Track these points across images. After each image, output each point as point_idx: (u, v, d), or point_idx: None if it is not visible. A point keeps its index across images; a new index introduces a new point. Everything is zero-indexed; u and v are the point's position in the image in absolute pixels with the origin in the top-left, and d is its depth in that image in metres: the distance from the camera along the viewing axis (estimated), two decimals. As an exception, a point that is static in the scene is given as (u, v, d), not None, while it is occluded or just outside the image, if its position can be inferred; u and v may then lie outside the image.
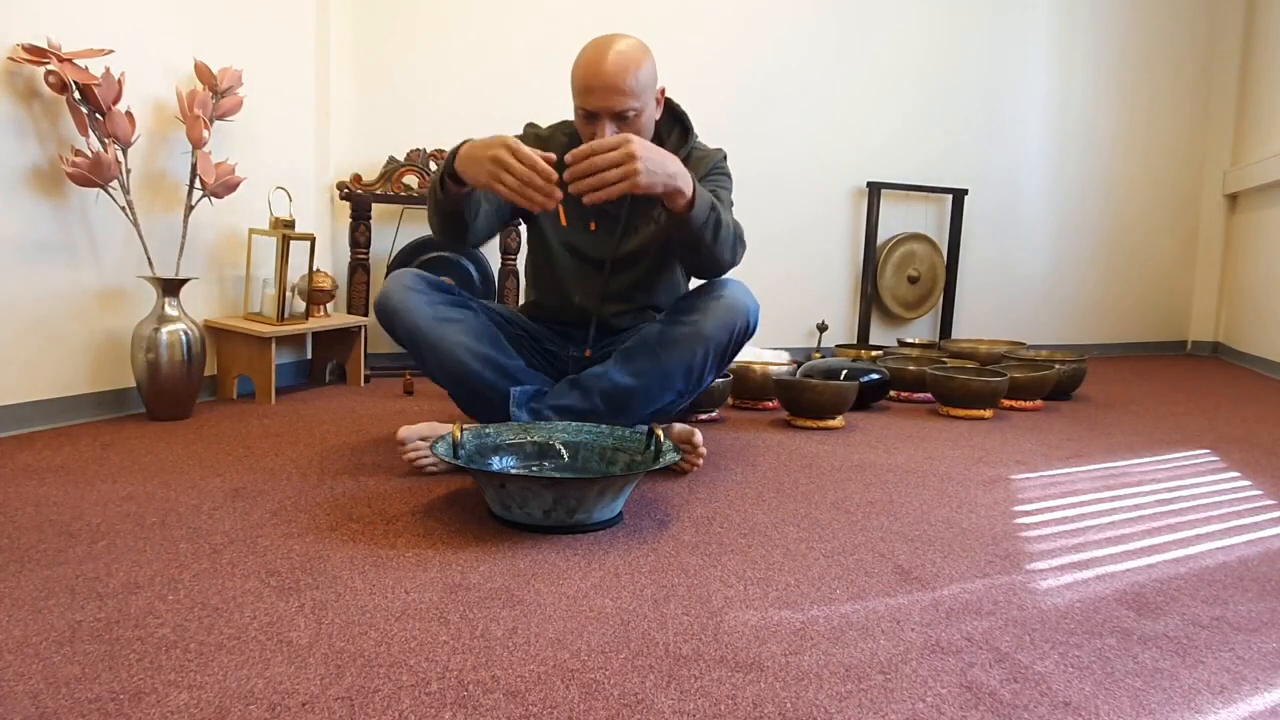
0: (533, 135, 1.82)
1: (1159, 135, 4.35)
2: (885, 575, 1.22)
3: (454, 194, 1.58)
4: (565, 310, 1.87)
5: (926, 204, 3.98)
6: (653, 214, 1.79)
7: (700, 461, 1.73)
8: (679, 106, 1.84)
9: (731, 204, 1.81)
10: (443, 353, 1.66)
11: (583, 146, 1.42)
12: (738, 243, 1.67)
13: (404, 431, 1.63)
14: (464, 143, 1.50)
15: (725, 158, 1.83)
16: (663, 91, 1.72)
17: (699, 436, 1.71)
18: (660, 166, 1.44)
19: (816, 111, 3.75)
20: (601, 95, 1.59)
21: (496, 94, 3.17)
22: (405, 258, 3.03)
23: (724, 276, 1.74)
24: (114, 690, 0.85)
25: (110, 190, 2.05)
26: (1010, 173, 4.11)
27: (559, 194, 1.41)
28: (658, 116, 1.73)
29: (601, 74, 1.58)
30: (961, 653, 0.99)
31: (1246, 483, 1.82)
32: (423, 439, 1.63)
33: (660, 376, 1.66)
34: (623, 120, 1.62)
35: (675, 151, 1.77)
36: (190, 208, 2.24)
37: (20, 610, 1.03)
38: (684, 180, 1.49)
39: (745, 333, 1.71)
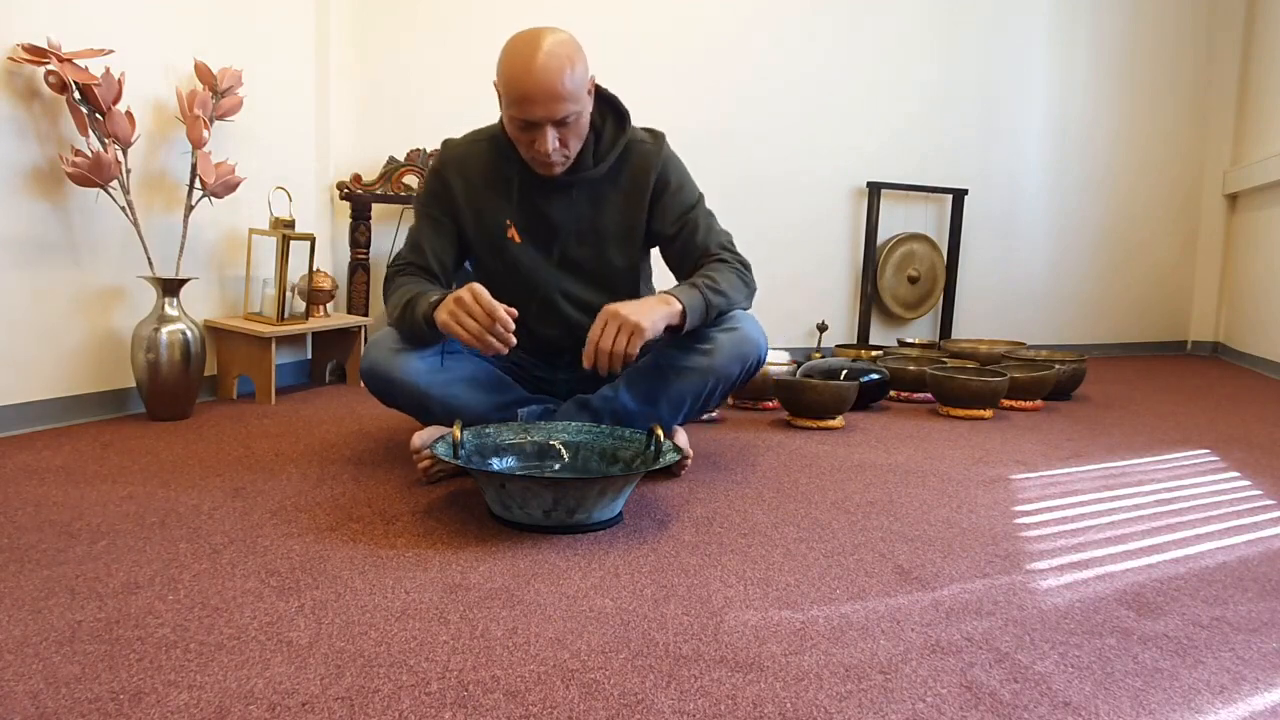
0: (454, 159, 1.70)
1: (1159, 135, 4.35)
2: (885, 575, 1.22)
3: (430, 338, 1.61)
4: (545, 338, 1.80)
5: (926, 204, 3.98)
6: (603, 229, 1.72)
7: (688, 463, 1.73)
8: (608, 91, 1.68)
9: (705, 211, 1.73)
10: (453, 409, 1.62)
11: (588, 345, 1.48)
12: (745, 288, 1.68)
13: (418, 439, 1.61)
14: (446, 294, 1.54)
15: (667, 150, 1.71)
16: (593, 81, 1.59)
17: (683, 438, 1.71)
18: (648, 310, 1.50)
19: (816, 111, 3.75)
20: (542, 105, 1.48)
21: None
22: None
23: (736, 310, 1.74)
24: (114, 690, 0.85)
25: (110, 190, 2.05)
26: (1010, 173, 4.11)
27: (514, 342, 1.47)
28: (590, 107, 1.61)
29: (537, 83, 1.46)
30: (961, 653, 0.99)
31: (1246, 483, 1.82)
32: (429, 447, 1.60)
33: (669, 403, 1.66)
34: (563, 125, 1.53)
35: (613, 141, 1.68)
36: (190, 208, 2.24)
37: (20, 610, 1.03)
38: (672, 308, 1.54)
39: (756, 366, 1.72)
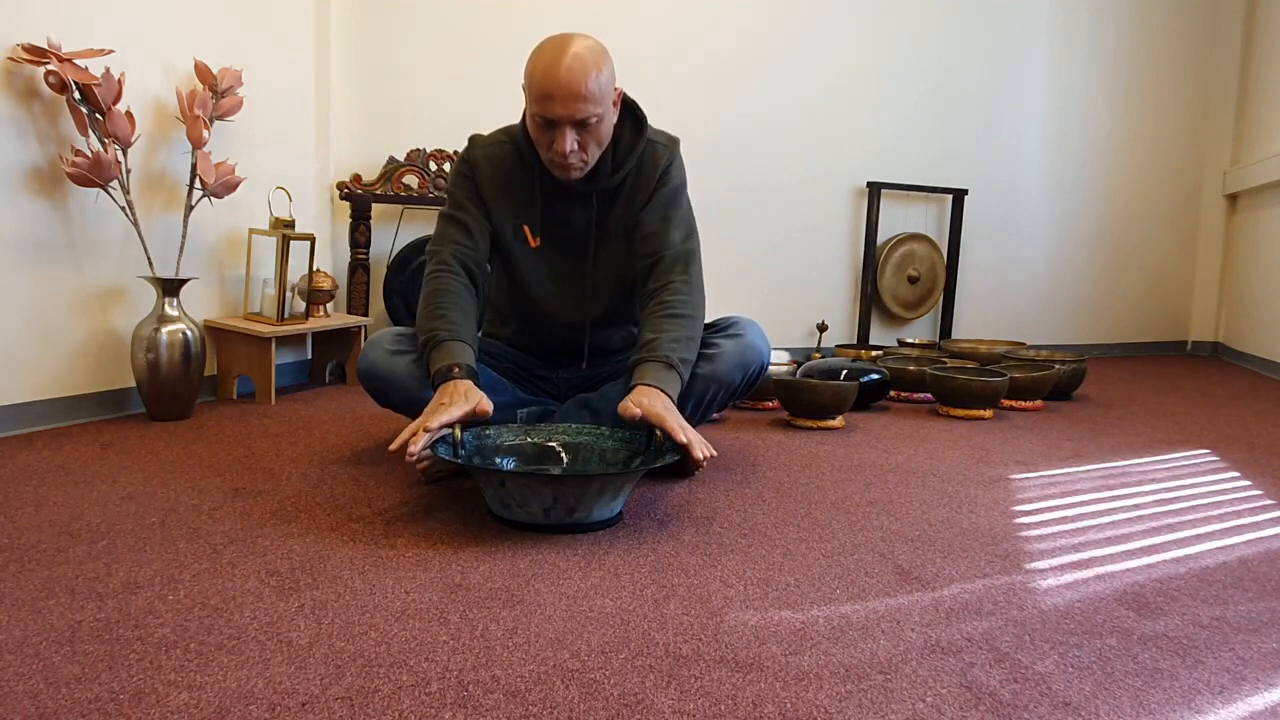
0: (482, 153, 1.71)
1: (1159, 135, 4.35)
2: (885, 575, 1.22)
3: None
4: (550, 336, 1.81)
5: (926, 204, 3.98)
6: (617, 234, 1.73)
7: (704, 465, 1.72)
8: (629, 97, 1.70)
9: (688, 220, 1.72)
10: None
11: (696, 458, 1.45)
12: (696, 335, 1.64)
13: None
14: (444, 383, 1.50)
15: (678, 154, 1.73)
16: (619, 93, 1.62)
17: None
18: (670, 411, 1.47)
19: (817, 112, 3.75)
20: (562, 104, 1.50)
21: (496, 93, 3.16)
22: (405, 257, 3.02)
23: (740, 316, 1.76)
24: (114, 690, 0.85)
25: (110, 190, 2.05)
26: (1010, 173, 4.11)
27: (408, 453, 1.38)
28: (614, 118, 1.63)
29: (560, 81, 1.49)
30: (961, 653, 0.99)
31: (1246, 483, 1.82)
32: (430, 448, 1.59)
33: None
34: (583, 128, 1.54)
35: (630, 148, 1.68)
36: (190, 208, 2.24)
37: (20, 610, 1.03)
38: (674, 399, 1.52)
39: (758, 375, 1.72)
